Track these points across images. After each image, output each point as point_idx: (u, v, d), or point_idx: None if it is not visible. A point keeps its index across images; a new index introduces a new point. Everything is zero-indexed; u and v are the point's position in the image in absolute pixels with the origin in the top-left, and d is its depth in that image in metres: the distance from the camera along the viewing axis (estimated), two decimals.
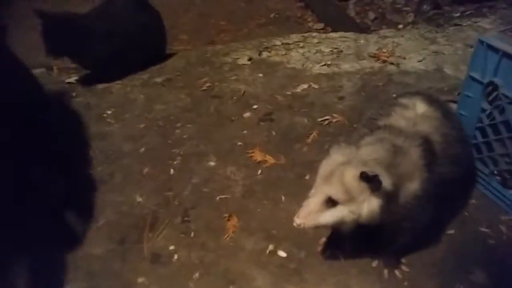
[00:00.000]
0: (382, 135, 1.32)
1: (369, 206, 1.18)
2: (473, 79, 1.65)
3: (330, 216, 1.19)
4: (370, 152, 1.23)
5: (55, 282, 1.49)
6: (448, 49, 2.73)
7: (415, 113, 1.40)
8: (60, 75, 2.69)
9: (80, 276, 1.51)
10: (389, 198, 1.19)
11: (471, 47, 1.62)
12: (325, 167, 1.22)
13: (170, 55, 2.91)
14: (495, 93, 1.59)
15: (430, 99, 1.48)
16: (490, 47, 1.55)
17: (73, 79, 2.58)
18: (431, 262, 1.49)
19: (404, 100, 1.47)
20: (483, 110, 1.65)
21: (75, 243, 1.60)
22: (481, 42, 1.58)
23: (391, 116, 1.41)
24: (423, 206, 1.30)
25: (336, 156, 1.23)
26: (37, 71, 2.67)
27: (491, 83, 1.59)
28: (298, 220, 1.19)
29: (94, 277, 1.51)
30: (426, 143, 1.31)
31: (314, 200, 1.19)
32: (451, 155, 1.38)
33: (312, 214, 1.19)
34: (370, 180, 1.14)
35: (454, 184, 1.45)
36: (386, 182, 1.16)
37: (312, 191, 1.23)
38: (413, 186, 1.26)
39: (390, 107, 1.46)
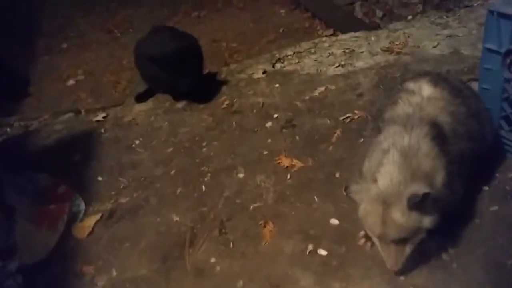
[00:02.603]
0: (385, 144, 1.28)
1: (429, 220, 1.21)
2: (490, 50, 1.62)
3: (409, 249, 1.25)
4: (388, 178, 1.20)
5: None
6: (462, 31, 2.70)
7: (421, 97, 1.38)
8: (87, 116, 2.80)
9: None
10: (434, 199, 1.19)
11: None
12: (366, 218, 1.26)
13: None
14: None
15: (436, 79, 1.45)
16: (502, 15, 1.52)
17: (100, 116, 2.68)
18: (479, 241, 1.44)
19: (410, 85, 1.45)
20: (507, 81, 1.61)
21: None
22: (491, 12, 1.56)
23: (397, 104, 1.39)
24: (452, 187, 1.29)
25: (365, 202, 1.25)
26: (65, 117, 2.81)
27: (509, 51, 1.56)
28: (395, 268, 1.27)
29: None
30: (433, 128, 1.28)
31: (388, 252, 1.25)
32: (463, 132, 1.37)
33: (398, 258, 1.25)
34: (421, 200, 1.14)
35: (479, 159, 1.42)
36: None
37: (377, 245, 1.30)
38: (440, 176, 1.24)
39: (396, 94, 1.44)
